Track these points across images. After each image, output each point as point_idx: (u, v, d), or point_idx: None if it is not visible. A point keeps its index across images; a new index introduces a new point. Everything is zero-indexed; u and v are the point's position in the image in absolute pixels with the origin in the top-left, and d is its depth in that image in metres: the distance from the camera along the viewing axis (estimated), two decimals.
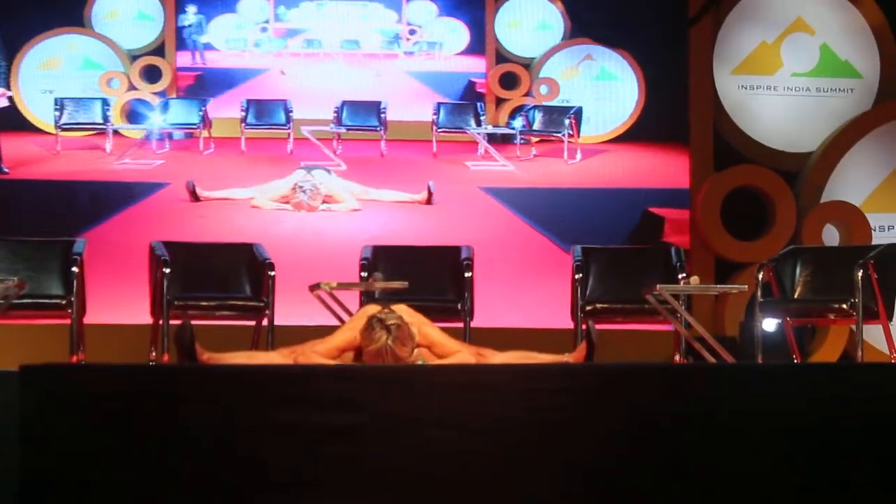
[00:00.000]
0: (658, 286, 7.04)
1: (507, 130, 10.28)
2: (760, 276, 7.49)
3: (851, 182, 10.03)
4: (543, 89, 10.34)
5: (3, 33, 9.79)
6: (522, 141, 10.30)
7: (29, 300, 7.03)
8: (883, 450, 4.69)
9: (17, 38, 9.89)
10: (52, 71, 10.08)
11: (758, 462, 4.63)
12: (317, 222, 9.73)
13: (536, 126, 10.33)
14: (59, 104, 10.01)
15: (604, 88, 10.26)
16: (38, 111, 9.98)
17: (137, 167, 9.96)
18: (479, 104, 10.29)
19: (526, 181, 10.11)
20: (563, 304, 7.87)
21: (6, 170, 9.63)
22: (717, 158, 9.94)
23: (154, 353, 7.21)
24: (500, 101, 10.33)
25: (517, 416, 4.56)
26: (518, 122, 10.28)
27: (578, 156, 10.19)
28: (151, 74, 10.15)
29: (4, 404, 4.64)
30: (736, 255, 9.75)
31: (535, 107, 10.33)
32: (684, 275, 7.67)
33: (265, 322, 7.34)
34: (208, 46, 10.24)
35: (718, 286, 8.83)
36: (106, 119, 10.04)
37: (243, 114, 10.20)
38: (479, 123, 10.29)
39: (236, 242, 8.12)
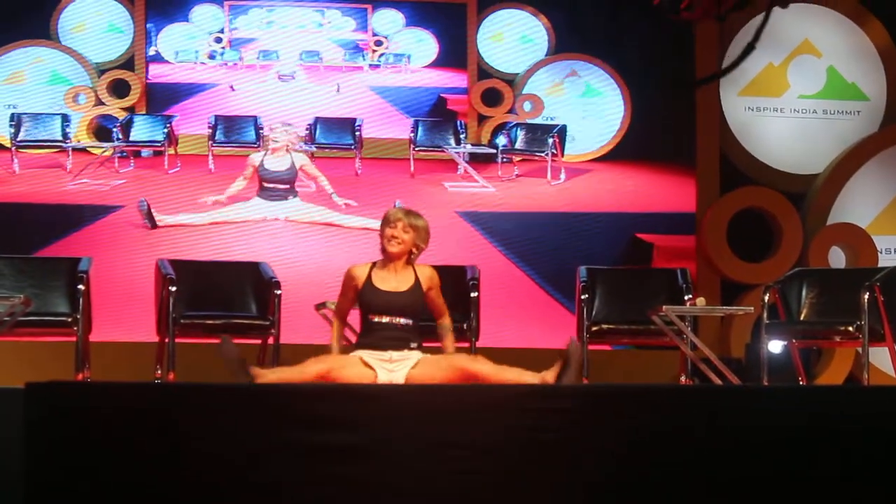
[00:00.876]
0: (664, 307, 7.24)
1: (487, 150, 10.33)
2: (766, 297, 7.64)
3: (858, 204, 10.13)
4: (527, 106, 10.38)
5: None
6: (505, 160, 10.29)
7: (35, 317, 7.22)
8: (891, 475, 4.68)
9: None
10: (17, 85, 9.99)
11: (762, 482, 4.63)
12: (293, 242, 9.75)
13: (519, 145, 10.32)
14: (16, 120, 9.89)
15: (589, 106, 10.36)
16: (1, 127, 9.87)
17: (94, 187, 9.81)
18: (459, 122, 10.30)
19: (507, 204, 10.14)
20: (539, 337, 7.79)
21: None
22: (723, 180, 9.94)
23: (159, 371, 7.23)
24: (482, 119, 10.31)
25: (520, 435, 4.57)
26: (501, 141, 10.30)
27: (563, 176, 10.22)
28: (120, 89, 10.09)
29: (10, 421, 4.66)
30: (742, 276, 9.83)
31: (517, 124, 10.35)
32: (690, 296, 7.65)
33: (271, 340, 7.32)
34: (156, 58, 10.15)
35: (724, 307, 8.89)
36: (66, 136, 9.92)
37: (210, 130, 10.07)
38: (458, 142, 10.29)
39: (242, 261, 8.13)
